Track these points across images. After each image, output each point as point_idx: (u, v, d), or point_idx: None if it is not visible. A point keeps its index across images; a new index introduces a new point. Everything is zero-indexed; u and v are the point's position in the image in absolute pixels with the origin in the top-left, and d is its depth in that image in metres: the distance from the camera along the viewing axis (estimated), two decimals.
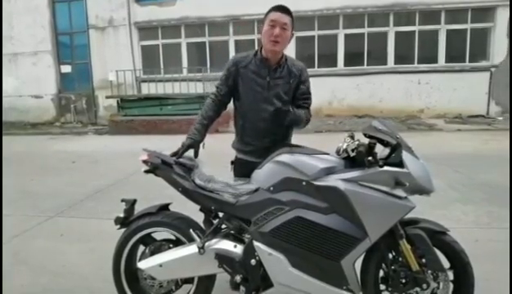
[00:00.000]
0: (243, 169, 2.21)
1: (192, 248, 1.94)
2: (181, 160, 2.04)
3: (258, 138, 2.20)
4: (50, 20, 12.67)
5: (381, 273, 1.94)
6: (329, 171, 1.82)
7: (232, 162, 2.34)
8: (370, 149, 1.78)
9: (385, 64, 11.30)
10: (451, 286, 1.89)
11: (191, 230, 1.99)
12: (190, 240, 1.98)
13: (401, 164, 1.76)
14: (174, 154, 2.06)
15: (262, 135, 2.19)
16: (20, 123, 12.39)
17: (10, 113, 12.37)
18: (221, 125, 8.71)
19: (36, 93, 12.86)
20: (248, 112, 2.20)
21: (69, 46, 12.99)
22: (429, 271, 1.86)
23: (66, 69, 12.96)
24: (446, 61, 11.06)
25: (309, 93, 2.23)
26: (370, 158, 1.76)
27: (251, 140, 2.22)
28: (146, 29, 12.27)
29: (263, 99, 2.14)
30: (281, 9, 2.08)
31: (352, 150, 1.80)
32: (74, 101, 12.71)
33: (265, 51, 2.14)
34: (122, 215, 2.07)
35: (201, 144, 2.14)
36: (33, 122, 12.62)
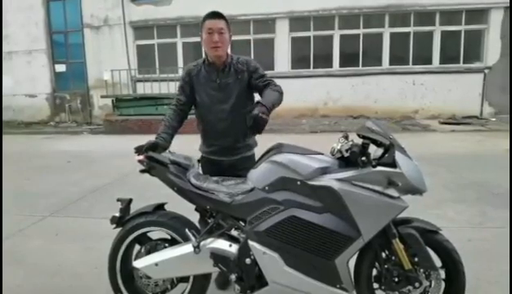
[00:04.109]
0: (210, 167, 2.33)
1: (187, 247, 1.95)
2: (176, 159, 2.06)
3: (220, 138, 2.30)
4: (44, 18, 12.59)
5: (374, 271, 1.96)
6: (323, 171, 1.84)
7: (199, 161, 2.39)
8: (363, 149, 1.80)
9: (380, 64, 11.36)
10: (443, 284, 1.92)
11: (187, 230, 2.00)
12: (186, 239, 1.99)
13: (394, 164, 1.78)
14: (138, 149, 2.05)
15: (223, 135, 2.29)
16: (13, 122, 12.32)
17: (4, 112, 12.27)
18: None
19: (30, 92, 12.78)
20: (206, 115, 2.30)
21: (64, 45, 12.92)
22: (422, 270, 1.88)
23: (61, 68, 12.88)
24: (441, 62, 11.15)
25: (263, 76, 2.25)
26: (363, 158, 1.78)
27: (214, 140, 2.33)
28: (142, 29, 12.24)
29: (218, 100, 2.25)
30: (215, 15, 2.19)
31: (346, 150, 1.82)
32: (68, 100, 12.65)
33: (210, 57, 2.25)
34: (117, 214, 2.08)
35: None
36: (27, 122, 12.55)
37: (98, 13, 12.25)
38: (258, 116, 1.81)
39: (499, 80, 10.57)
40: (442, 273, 1.90)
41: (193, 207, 2.06)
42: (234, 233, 2.02)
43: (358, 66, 11.43)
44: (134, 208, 2.15)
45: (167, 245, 2.07)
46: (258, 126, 1.83)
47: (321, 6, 11.05)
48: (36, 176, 5.76)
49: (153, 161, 2.00)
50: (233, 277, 1.92)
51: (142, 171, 2.05)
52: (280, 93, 2.14)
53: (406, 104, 11.11)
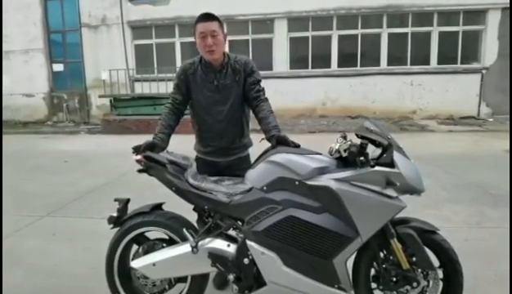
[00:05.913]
0: (205, 167, 2.30)
1: (185, 247, 1.94)
2: (174, 159, 2.05)
3: (216, 139, 2.29)
4: (42, 17, 12.53)
5: (372, 271, 1.96)
6: (321, 171, 1.84)
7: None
8: (361, 149, 1.80)
9: (378, 65, 11.36)
10: (441, 284, 1.92)
11: (185, 230, 1.99)
12: (184, 239, 1.99)
13: (392, 164, 1.78)
14: (136, 149, 2.04)
15: (219, 136, 2.27)
16: (11, 122, 12.26)
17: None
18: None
19: (27, 92, 12.70)
20: (203, 116, 2.28)
21: (62, 44, 12.85)
22: (419, 270, 1.88)
23: (58, 67, 12.82)
24: (439, 63, 11.16)
25: (258, 82, 2.25)
26: (361, 158, 1.79)
27: (210, 141, 2.31)
28: (140, 28, 12.20)
29: (215, 102, 2.23)
30: (206, 18, 2.14)
31: (345, 150, 1.82)
32: (66, 100, 12.59)
33: (206, 59, 2.21)
34: (115, 214, 2.07)
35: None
36: (24, 121, 12.48)
37: (96, 12, 12.21)
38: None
39: (496, 80, 10.61)
40: (440, 273, 1.91)
41: (191, 206, 2.06)
42: (232, 233, 2.02)
43: (356, 66, 11.44)
44: (132, 208, 2.14)
45: (165, 245, 2.07)
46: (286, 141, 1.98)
47: (319, 7, 11.05)
48: (33, 176, 5.74)
49: (151, 161, 1.99)
50: (231, 277, 1.92)
51: (140, 171, 2.04)
52: (273, 112, 2.19)
53: (404, 104, 11.13)
